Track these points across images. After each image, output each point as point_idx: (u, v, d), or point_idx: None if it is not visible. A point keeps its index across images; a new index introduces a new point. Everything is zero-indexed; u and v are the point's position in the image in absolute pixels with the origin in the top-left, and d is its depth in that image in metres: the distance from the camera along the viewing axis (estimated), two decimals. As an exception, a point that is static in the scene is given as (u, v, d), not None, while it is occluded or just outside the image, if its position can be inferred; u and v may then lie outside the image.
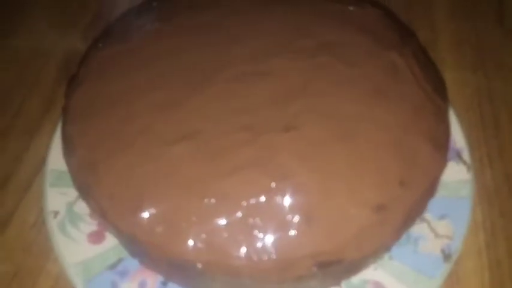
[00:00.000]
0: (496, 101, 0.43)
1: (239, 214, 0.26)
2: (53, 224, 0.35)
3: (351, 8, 0.36)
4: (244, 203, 0.26)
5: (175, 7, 0.36)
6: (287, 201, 0.27)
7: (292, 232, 0.26)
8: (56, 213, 0.35)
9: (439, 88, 0.33)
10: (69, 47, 0.47)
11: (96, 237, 0.34)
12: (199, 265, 0.26)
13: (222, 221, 0.26)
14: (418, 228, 0.35)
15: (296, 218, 0.26)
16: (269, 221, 0.26)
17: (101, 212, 0.28)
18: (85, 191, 0.29)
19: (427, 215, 0.35)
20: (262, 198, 0.26)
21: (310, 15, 0.35)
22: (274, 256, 0.26)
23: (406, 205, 0.27)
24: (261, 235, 0.26)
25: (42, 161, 0.38)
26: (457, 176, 0.36)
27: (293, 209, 0.26)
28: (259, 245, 0.26)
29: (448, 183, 0.36)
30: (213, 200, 0.26)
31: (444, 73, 0.46)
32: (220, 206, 0.26)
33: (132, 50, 0.34)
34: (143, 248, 0.27)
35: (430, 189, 0.29)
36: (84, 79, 0.33)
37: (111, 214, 0.27)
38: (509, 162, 0.39)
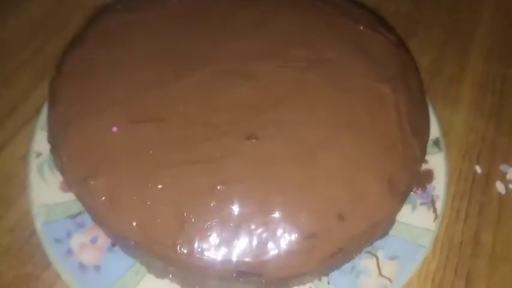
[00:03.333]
0: (497, 157, 0.41)
1: (176, 206, 0.27)
2: (33, 163, 0.37)
3: (362, 28, 0.35)
4: (184, 197, 0.27)
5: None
6: (225, 206, 0.27)
7: (220, 237, 0.27)
8: (39, 154, 0.38)
9: (421, 133, 0.32)
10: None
11: (67, 186, 0.37)
12: (131, 242, 0.28)
13: (159, 208, 0.27)
14: (365, 262, 0.35)
15: (228, 225, 0.27)
16: (202, 220, 0.27)
17: (60, 168, 0.30)
18: (53, 145, 0.31)
19: (380, 251, 0.35)
20: (202, 197, 0.27)
21: (319, 26, 0.35)
22: (197, 254, 0.27)
23: (339, 239, 0.28)
24: (191, 231, 0.27)
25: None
26: (422, 222, 0.36)
27: (227, 215, 0.27)
28: (187, 239, 0.27)
29: (412, 227, 0.36)
30: (157, 186, 0.28)
31: (457, 112, 0.44)
32: (161, 194, 0.27)
33: (139, 23, 0.35)
34: (88, 212, 0.29)
35: (373, 229, 0.29)
36: (87, 40, 0.34)
37: (67, 173, 0.29)
38: (484, 223, 0.38)
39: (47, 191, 0.36)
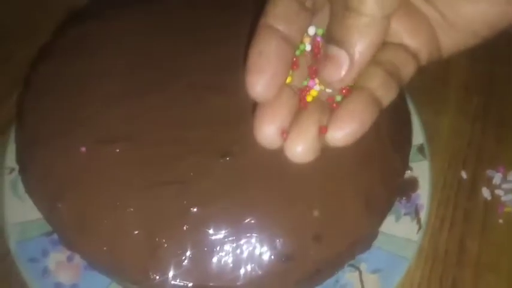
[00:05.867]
0: (483, 162, 0.40)
1: (147, 230, 0.26)
2: (5, 179, 0.36)
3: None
4: (155, 220, 0.26)
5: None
6: (198, 229, 0.26)
7: (194, 261, 0.26)
8: (12, 170, 0.37)
9: (402, 146, 0.31)
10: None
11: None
12: (101, 268, 0.27)
13: (130, 233, 0.26)
14: (349, 276, 0.34)
15: (202, 249, 0.26)
16: (175, 244, 0.26)
17: (28, 190, 0.29)
18: (22, 166, 0.30)
19: (363, 264, 0.34)
20: (174, 220, 0.26)
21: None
22: (171, 281, 0.26)
23: (316, 260, 0.27)
24: (163, 256, 0.26)
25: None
26: (406, 233, 0.35)
27: (201, 239, 0.26)
28: (159, 265, 0.26)
29: (396, 238, 0.35)
30: (128, 209, 0.27)
31: (442, 116, 0.43)
32: (131, 217, 0.27)
33: (107, 33, 0.33)
34: (58, 236, 0.28)
35: (351, 248, 0.28)
36: (55, 53, 0.33)
37: (35, 195, 0.28)
38: (469, 231, 0.37)
39: (21, 208, 0.35)
